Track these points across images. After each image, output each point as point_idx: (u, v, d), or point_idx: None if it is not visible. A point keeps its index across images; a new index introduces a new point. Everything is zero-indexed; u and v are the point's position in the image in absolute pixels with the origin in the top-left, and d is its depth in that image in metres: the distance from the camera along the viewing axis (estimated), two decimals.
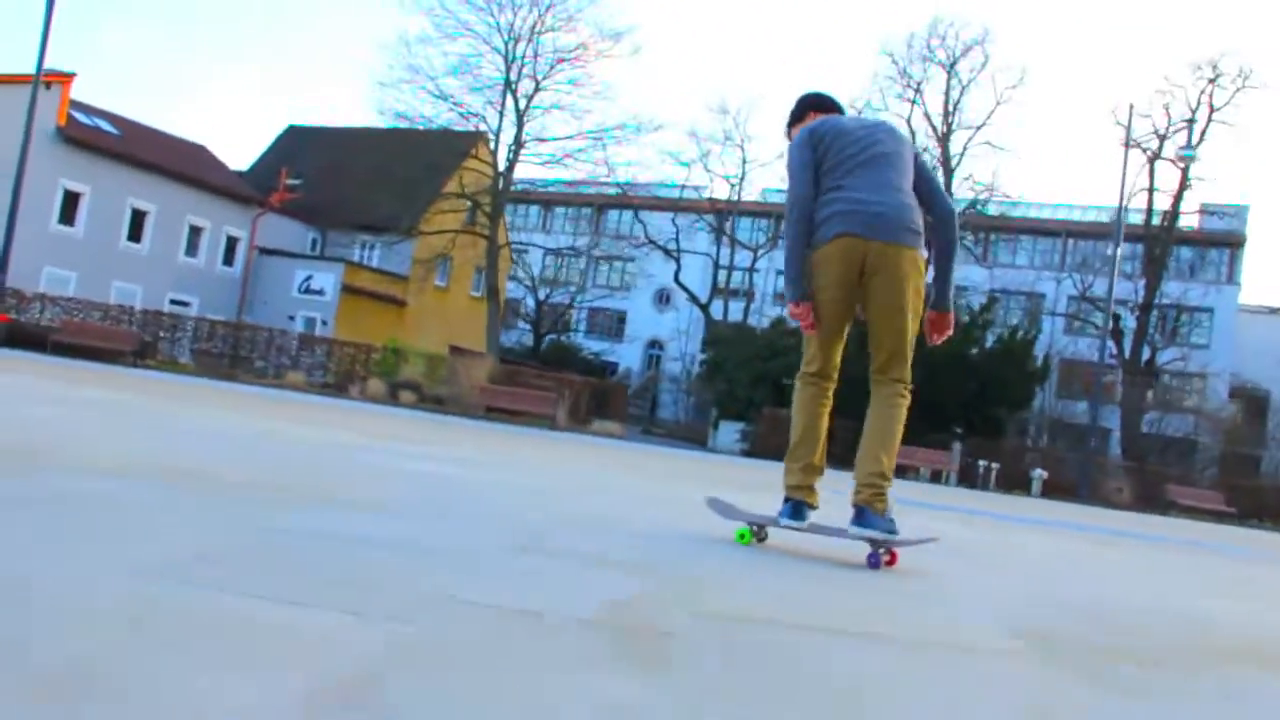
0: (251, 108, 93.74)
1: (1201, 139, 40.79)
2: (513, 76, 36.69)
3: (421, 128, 42.90)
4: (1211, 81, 40.67)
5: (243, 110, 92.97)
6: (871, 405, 4.25)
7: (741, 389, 32.36)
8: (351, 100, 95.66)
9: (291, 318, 39.29)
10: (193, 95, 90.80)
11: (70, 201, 35.53)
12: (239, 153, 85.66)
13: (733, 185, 44.12)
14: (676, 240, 44.88)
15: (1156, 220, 42.60)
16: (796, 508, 4.28)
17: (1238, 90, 40.27)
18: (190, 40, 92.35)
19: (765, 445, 29.86)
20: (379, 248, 43.04)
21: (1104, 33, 76.27)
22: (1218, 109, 40.70)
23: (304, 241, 43.75)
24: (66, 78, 34.85)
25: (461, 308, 45.46)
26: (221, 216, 39.96)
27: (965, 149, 41.02)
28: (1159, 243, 42.33)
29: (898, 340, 4.21)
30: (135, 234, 37.51)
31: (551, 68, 36.71)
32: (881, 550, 4.06)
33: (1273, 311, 49.66)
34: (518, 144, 36.60)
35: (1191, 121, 40.57)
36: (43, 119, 34.44)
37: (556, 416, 27.38)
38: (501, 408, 27.51)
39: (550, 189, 42.28)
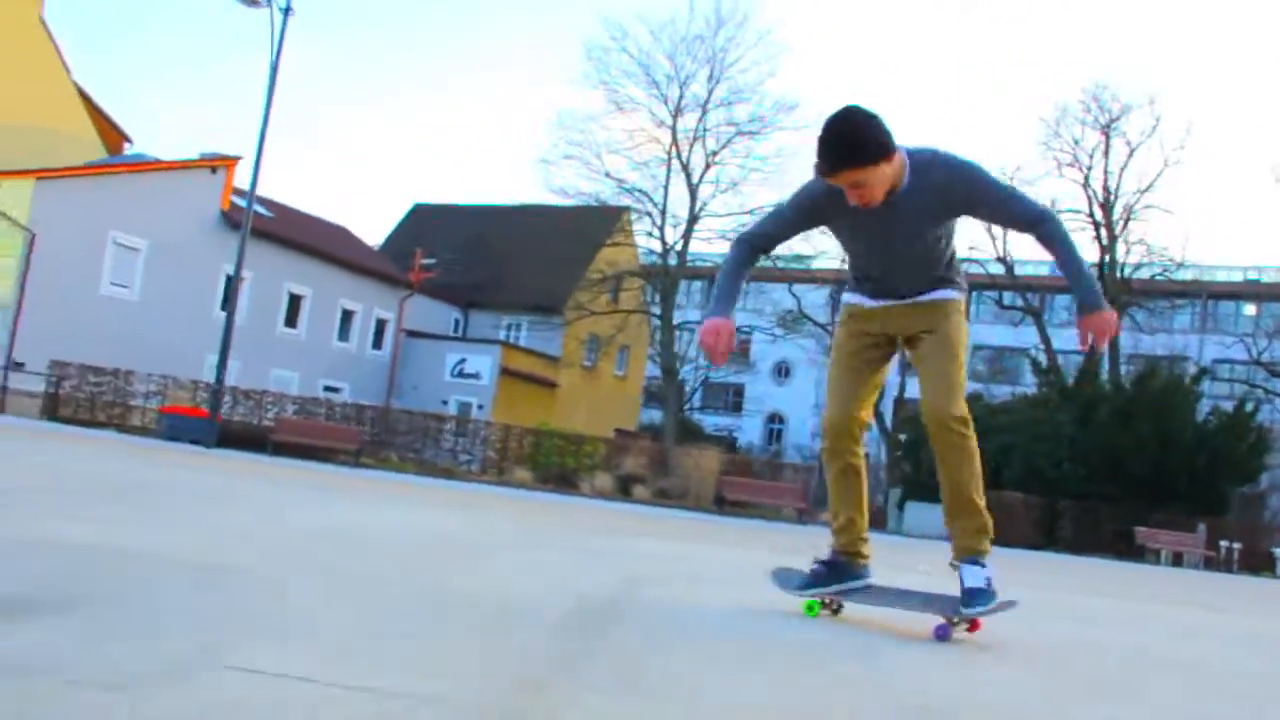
0: (369, 187, 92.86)
1: None
2: (683, 150, 35.25)
3: (569, 206, 41.69)
4: None
5: (362, 190, 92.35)
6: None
7: None
8: (477, 178, 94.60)
9: (445, 402, 37.62)
10: (302, 172, 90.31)
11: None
12: (366, 234, 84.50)
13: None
14: (833, 314, 43.08)
15: None
16: None
17: None
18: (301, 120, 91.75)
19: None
20: (525, 328, 41.44)
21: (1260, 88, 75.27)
22: None
23: (447, 323, 42.24)
24: (231, 161, 33.59)
25: (608, 388, 43.76)
26: (371, 299, 38.51)
27: (1132, 213, 39.30)
28: None
29: None
30: (291, 319, 36.00)
31: (724, 144, 35.27)
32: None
33: None
34: (691, 219, 35.02)
35: None
36: (207, 203, 33.30)
37: (800, 509, 25.44)
38: (737, 500, 25.57)
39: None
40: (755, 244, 3.77)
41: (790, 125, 34.79)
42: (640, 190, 36.20)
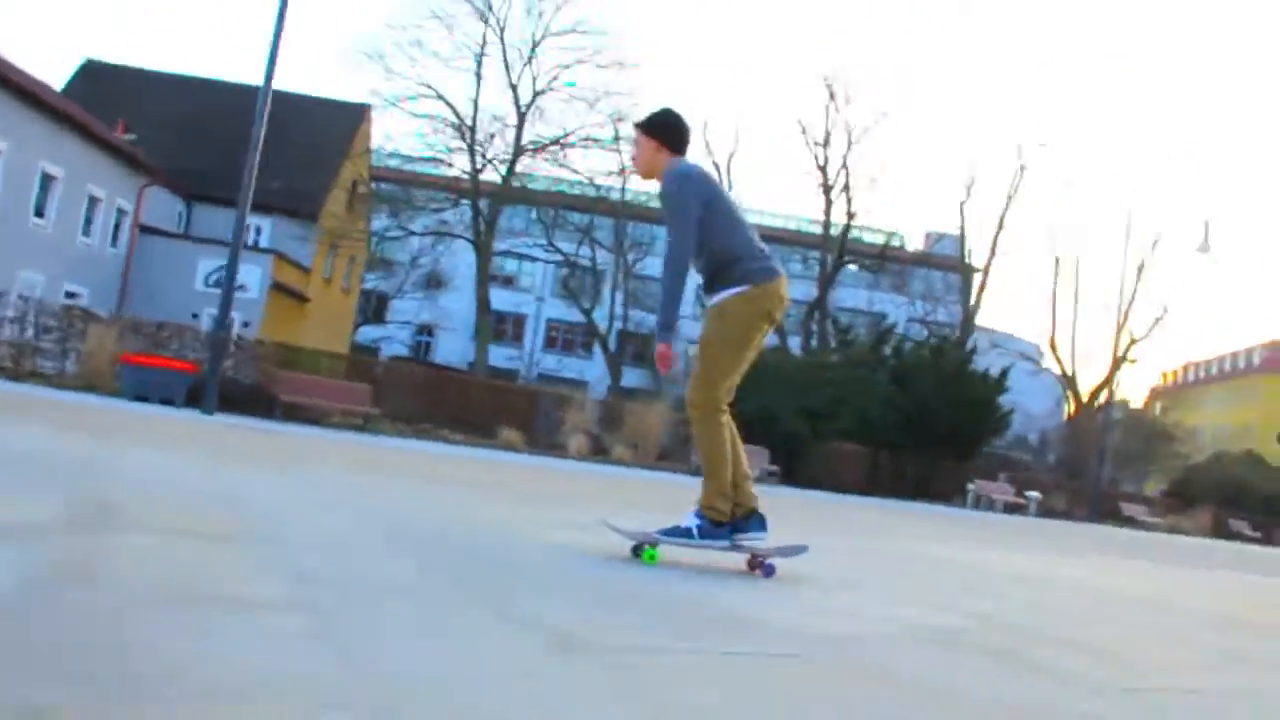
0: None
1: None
2: (513, 73, 32.92)
3: (302, 95, 37.26)
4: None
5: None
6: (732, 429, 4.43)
7: (788, 422, 32.38)
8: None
9: (195, 315, 32.11)
10: None
11: None
12: None
13: (600, 189, 41.53)
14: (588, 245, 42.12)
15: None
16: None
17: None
18: None
19: (821, 478, 30.63)
20: (267, 230, 36.25)
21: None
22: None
23: (171, 217, 35.52)
24: None
25: (335, 304, 39.71)
26: (114, 185, 31.45)
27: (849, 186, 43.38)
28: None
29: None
30: (40, 207, 28.44)
31: (554, 76, 33.43)
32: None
33: None
34: (518, 145, 32.89)
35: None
36: None
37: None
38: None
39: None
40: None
41: (630, 61, 33.88)
42: (451, 106, 33.09)
